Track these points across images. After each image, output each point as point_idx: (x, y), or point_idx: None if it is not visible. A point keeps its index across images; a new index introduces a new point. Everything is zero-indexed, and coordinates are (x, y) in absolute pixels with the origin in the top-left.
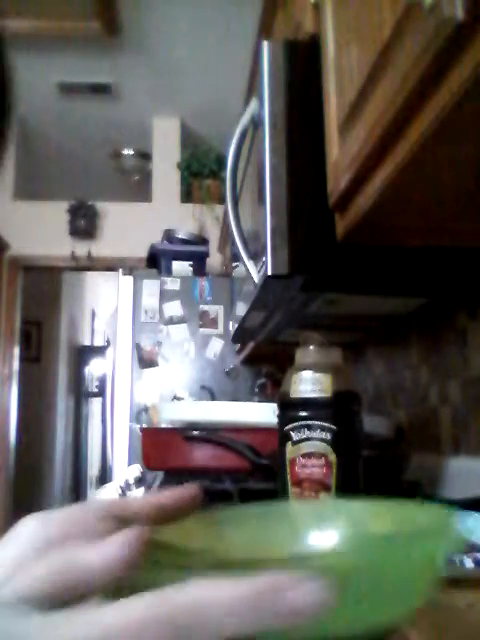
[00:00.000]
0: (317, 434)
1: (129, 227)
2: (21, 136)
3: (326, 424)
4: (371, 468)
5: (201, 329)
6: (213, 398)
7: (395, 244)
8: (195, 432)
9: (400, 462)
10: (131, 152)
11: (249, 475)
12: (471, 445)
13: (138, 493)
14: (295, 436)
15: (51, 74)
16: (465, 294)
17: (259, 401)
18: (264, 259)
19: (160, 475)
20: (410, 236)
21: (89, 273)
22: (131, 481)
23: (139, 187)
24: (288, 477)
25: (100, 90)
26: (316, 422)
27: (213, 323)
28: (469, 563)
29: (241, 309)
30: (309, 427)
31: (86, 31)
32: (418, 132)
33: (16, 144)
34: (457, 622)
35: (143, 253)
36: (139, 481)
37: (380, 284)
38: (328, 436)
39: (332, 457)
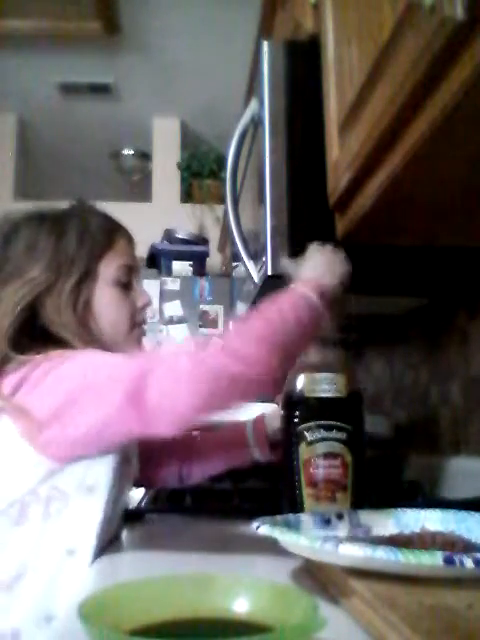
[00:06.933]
0: (333, 434)
1: (129, 227)
2: (21, 136)
3: (342, 424)
4: (371, 468)
5: (201, 329)
6: None
7: (395, 244)
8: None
9: (400, 462)
10: (131, 152)
11: (249, 475)
12: (471, 445)
13: (138, 493)
14: (310, 436)
15: (51, 74)
16: (465, 294)
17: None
18: (264, 259)
19: None
20: (410, 236)
21: None
22: None
23: (139, 187)
24: (302, 478)
25: (100, 90)
26: (332, 422)
27: (213, 323)
28: (469, 563)
29: (241, 309)
30: (325, 427)
31: (86, 31)
32: (418, 132)
33: (16, 144)
34: (457, 622)
35: (143, 253)
36: None
37: (380, 284)
38: (344, 436)
39: (348, 457)
